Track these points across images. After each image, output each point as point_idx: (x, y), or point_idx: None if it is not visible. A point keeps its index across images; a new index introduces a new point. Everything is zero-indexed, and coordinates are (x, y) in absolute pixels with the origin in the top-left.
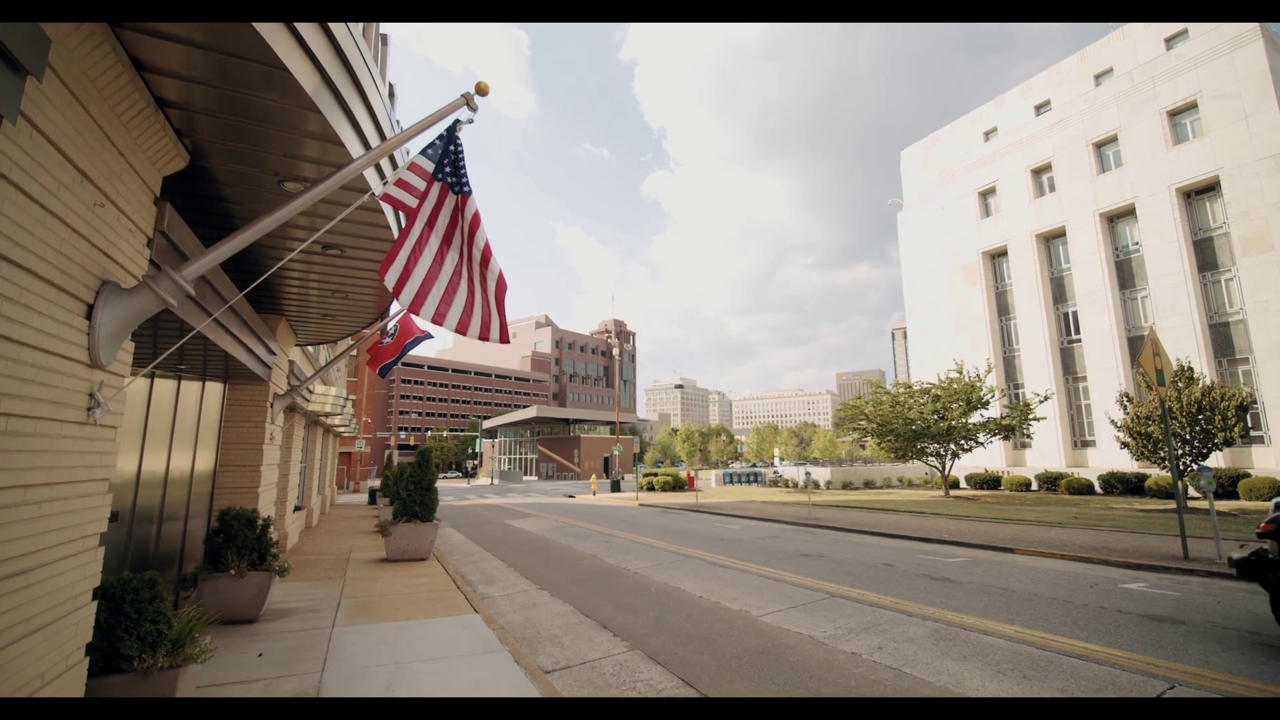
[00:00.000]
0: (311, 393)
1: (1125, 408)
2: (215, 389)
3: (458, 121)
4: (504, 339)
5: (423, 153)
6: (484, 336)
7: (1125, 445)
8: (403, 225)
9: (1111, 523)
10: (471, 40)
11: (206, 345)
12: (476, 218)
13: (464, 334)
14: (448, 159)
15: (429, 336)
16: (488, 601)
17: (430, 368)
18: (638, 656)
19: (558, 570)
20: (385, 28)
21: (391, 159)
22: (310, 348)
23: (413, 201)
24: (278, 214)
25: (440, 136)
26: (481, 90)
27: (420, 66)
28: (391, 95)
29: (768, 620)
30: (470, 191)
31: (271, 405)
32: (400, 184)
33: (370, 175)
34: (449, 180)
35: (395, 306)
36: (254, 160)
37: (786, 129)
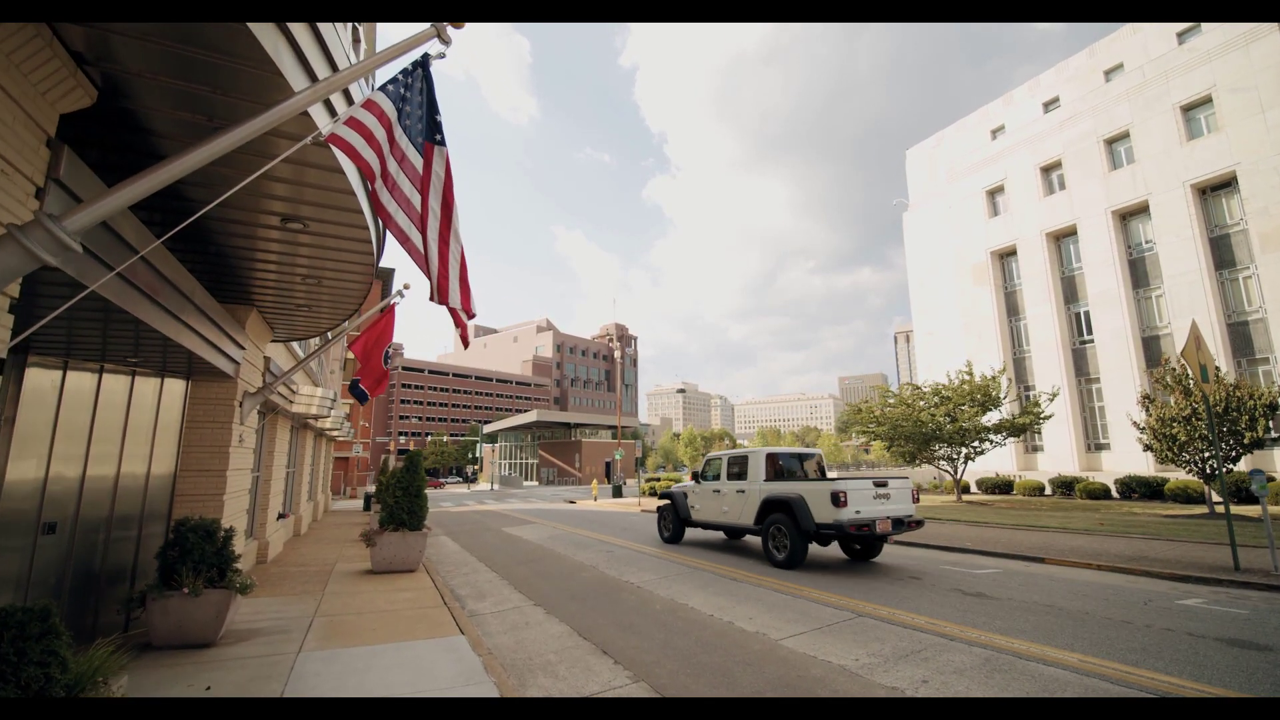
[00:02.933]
0: (296, 393)
1: (1148, 409)
2: (176, 386)
3: (427, 56)
4: (467, 311)
5: (381, 89)
6: (465, 306)
7: (1149, 448)
8: (368, 189)
9: (1141, 529)
10: (473, 46)
11: (166, 342)
12: (449, 172)
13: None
14: (433, 108)
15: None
16: (476, 620)
17: (431, 372)
18: (643, 690)
19: (555, 583)
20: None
21: (347, 98)
22: (298, 346)
23: (368, 152)
24: (192, 155)
25: (404, 72)
26: None
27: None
28: (356, 41)
29: (790, 645)
30: (444, 141)
31: (241, 404)
32: (354, 125)
33: (319, 115)
34: (424, 132)
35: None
36: (183, 102)
37: (787, 134)
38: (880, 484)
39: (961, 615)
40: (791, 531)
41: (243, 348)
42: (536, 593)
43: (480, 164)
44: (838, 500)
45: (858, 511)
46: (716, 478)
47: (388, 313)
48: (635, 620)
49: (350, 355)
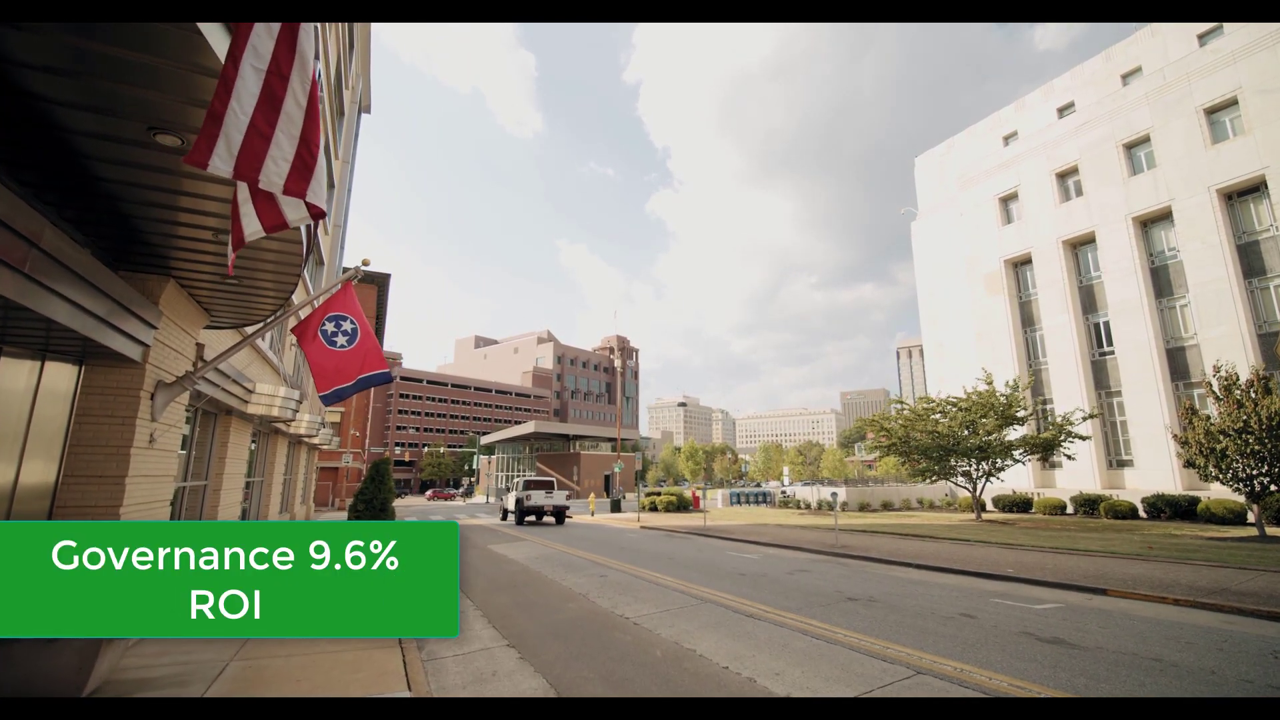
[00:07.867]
0: (252, 392)
1: (1191, 423)
2: (63, 372)
3: None
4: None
5: None
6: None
7: (1190, 464)
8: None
9: (1200, 555)
10: (478, 61)
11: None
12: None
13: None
14: None
15: (388, 377)
16: (433, 666)
17: (429, 382)
18: None
19: (536, 616)
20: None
21: None
22: (262, 341)
23: None
24: None
25: None
26: None
27: (428, 86)
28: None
29: None
30: None
31: (153, 396)
32: None
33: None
34: None
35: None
36: None
37: (791, 150)
38: (550, 492)
39: (1051, 674)
40: (518, 511)
41: (153, 326)
42: (513, 629)
43: (486, 176)
44: (528, 499)
45: (535, 503)
46: (511, 490)
47: (344, 290)
48: (630, 672)
49: (301, 357)
